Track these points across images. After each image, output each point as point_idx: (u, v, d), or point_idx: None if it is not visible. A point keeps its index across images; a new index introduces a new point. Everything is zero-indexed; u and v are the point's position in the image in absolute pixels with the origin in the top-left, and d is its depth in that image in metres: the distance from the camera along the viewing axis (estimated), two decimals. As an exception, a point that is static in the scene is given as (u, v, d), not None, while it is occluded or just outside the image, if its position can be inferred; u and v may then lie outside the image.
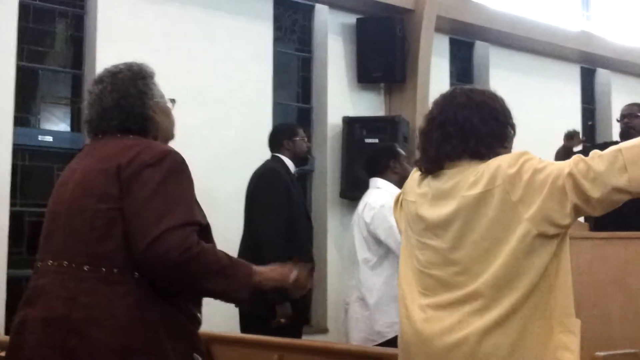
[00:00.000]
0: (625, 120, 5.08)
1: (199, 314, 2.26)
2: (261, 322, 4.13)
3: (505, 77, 7.59)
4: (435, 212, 2.19)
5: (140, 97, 2.30)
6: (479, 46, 7.66)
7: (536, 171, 2.04)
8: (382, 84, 6.59)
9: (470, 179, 2.13)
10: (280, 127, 4.94)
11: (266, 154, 4.82)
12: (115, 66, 2.35)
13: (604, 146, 5.41)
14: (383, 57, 6.36)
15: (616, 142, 4.80)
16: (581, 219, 5.63)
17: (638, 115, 5.09)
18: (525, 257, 2.04)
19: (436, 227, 2.18)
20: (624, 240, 4.46)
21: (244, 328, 4.33)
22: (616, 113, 5.29)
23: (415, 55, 6.47)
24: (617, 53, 8.41)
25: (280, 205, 4.35)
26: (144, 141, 2.25)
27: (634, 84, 8.87)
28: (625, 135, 5.08)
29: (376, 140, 6.02)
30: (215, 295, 2.22)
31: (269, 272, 2.34)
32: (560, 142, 7.93)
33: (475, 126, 2.17)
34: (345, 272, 5.37)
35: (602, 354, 2.51)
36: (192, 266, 2.08)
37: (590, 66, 8.61)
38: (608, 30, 8.56)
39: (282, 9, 6.32)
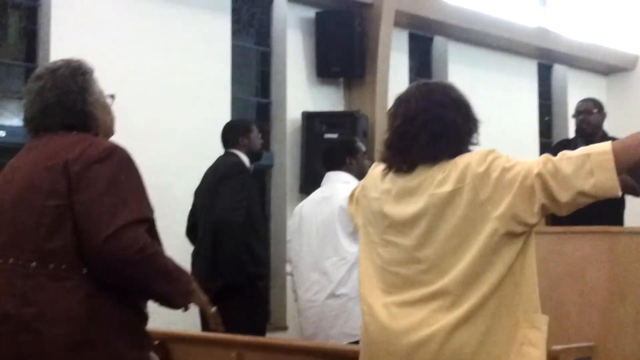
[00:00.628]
0: (581, 117, 5.13)
1: (145, 310, 2.28)
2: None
3: (463, 73, 7.62)
4: (401, 209, 2.18)
5: (81, 93, 2.29)
6: (438, 41, 7.68)
7: (505, 170, 2.05)
8: (341, 79, 6.57)
9: (437, 176, 2.13)
10: (235, 124, 4.91)
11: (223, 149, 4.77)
12: (54, 63, 2.35)
13: (567, 143, 5.37)
14: (342, 51, 6.34)
15: (586, 140, 4.87)
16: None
17: (593, 112, 5.15)
18: (492, 254, 2.06)
19: (402, 225, 2.18)
20: (580, 235, 4.51)
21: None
22: (572, 109, 5.34)
23: (375, 50, 6.46)
24: (573, 49, 8.50)
25: (244, 202, 4.37)
26: (88, 137, 2.25)
27: (590, 79, 8.99)
28: (580, 131, 5.14)
29: (335, 136, 6.01)
30: (156, 298, 2.24)
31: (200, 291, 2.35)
32: (518, 138, 8.03)
33: (459, 126, 2.19)
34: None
35: (558, 347, 2.52)
36: (143, 266, 2.10)
37: (547, 62, 8.69)
38: (565, 26, 8.65)
39: (241, 2, 6.26)
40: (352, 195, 2.51)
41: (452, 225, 2.09)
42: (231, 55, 5.94)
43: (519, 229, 2.06)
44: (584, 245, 4.48)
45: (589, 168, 2.00)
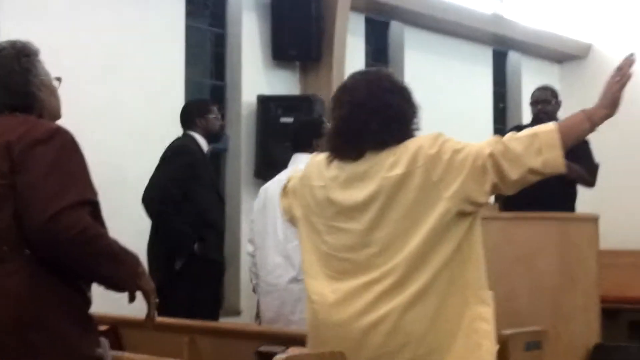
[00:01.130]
0: (539, 106, 5.18)
1: (89, 294, 2.27)
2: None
3: (419, 58, 7.64)
4: (351, 194, 2.19)
5: (24, 74, 2.27)
6: (395, 26, 7.66)
7: (455, 151, 2.11)
8: (297, 62, 6.52)
9: (388, 160, 2.16)
10: (192, 104, 4.84)
11: (178, 132, 4.70)
12: None
13: (517, 130, 5.45)
14: (298, 35, 6.28)
15: (527, 126, 4.91)
16: (491, 199, 5.73)
17: (551, 102, 5.20)
18: (442, 234, 2.11)
19: (352, 210, 2.19)
20: (531, 221, 4.57)
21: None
22: (526, 96, 5.38)
23: (331, 34, 6.42)
24: (528, 36, 8.57)
25: (181, 183, 4.35)
26: (31, 119, 2.23)
27: (544, 67, 9.08)
28: (537, 120, 5.18)
29: (291, 120, 5.96)
30: (102, 280, 2.23)
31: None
32: (472, 123, 8.08)
33: (406, 112, 2.24)
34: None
35: (508, 332, 2.54)
36: (86, 247, 2.09)
37: (502, 49, 8.75)
38: (520, 14, 8.71)
39: (195, -17, 6.17)
40: (285, 189, 2.52)
41: (404, 208, 2.13)
42: (185, 37, 5.84)
43: (470, 208, 2.12)
44: (535, 231, 4.54)
45: (538, 146, 2.10)
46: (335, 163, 2.26)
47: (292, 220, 2.47)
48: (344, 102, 2.27)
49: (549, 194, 4.97)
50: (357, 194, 2.18)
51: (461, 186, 2.10)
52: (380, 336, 2.10)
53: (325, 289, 2.21)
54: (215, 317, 4.46)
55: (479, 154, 2.11)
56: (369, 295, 2.13)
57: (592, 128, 2.22)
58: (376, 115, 2.20)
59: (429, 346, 2.11)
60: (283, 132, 5.79)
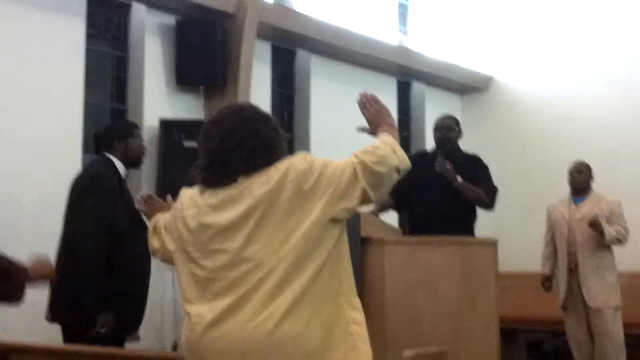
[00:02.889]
0: (442, 132, 5.30)
1: None
2: (81, 333, 3.82)
3: (325, 86, 7.71)
4: (225, 215, 2.27)
5: None
6: (301, 54, 7.73)
7: (325, 165, 2.27)
8: (202, 87, 6.47)
9: (260, 179, 2.26)
10: (114, 126, 4.53)
11: (74, 157, 4.56)
12: None
13: (425, 155, 5.57)
14: (203, 60, 6.25)
15: (445, 155, 5.03)
16: (395, 224, 5.79)
17: (454, 129, 5.34)
18: (315, 241, 2.20)
19: (227, 230, 2.26)
20: (434, 245, 4.62)
21: (66, 341, 4.02)
22: (430, 125, 5.48)
23: (236, 60, 6.41)
24: (431, 68, 8.78)
25: (98, 213, 3.99)
26: None
27: (446, 97, 9.31)
28: (441, 145, 5.30)
29: (195, 144, 5.87)
30: None
31: (37, 268, 2.32)
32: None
33: (274, 139, 2.36)
34: (162, 277, 5.20)
35: (410, 353, 2.55)
36: None
37: (406, 79, 8.92)
38: (424, 45, 8.93)
39: (96, 5, 6.04)
40: (153, 229, 2.59)
41: (277, 220, 2.21)
42: (85, 59, 5.71)
43: (342, 214, 2.25)
44: (438, 254, 4.59)
45: (391, 149, 2.30)
46: (209, 192, 2.32)
47: (165, 256, 2.51)
48: (212, 134, 2.35)
49: (450, 219, 5.07)
50: (231, 214, 2.26)
51: (333, 194, 2.22)
52: (257, 346, 2.14)
53: (203, 310, 2.24)
54: (120, 345, 4.27)
55: (348, 164, 2.26)
56: (246, 306, 2.17)
57: (397, 131, 2.49)
58: (245, 143, 2.30)
59: (307, 348, 2.16)
60: (186, 156, 5.73)
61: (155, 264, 5.64)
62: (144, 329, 5.67)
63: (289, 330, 2.14)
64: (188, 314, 2.29)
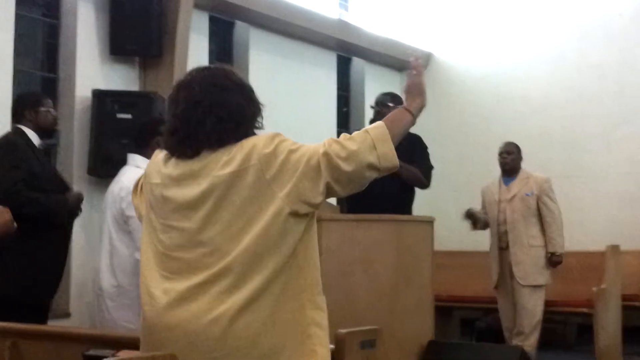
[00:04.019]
0: (377, 108, 5.32)
1: None
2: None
3: (264, 59, 7.61)
4: (185, 192, 2.14)
5: None
6: (240, 26, 7.58)
7: (291, 151, 2.09)
8: (137, 58, 6.29)
9: (222, 158, 2.12)
10: (22, 97, 4.59)
11: (3, 126, 4.41)
12: None
13: None
14: (139, 30, 6.05)
15: None
16: (333, 201, 5.77)
17: (389, 106, 5.33)
18: (276, 235, 2.07)
19: (185, 208, 2.14)
20: (371, 223, 4.64)
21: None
22: (369, 101, 5.48)
23: (173, 31, 6.23)
24: (371, 43, 8.74)
25: (10, 180, 4.01)
26: None
27: (386, 73, 9.29)
28: (375, 120, 5.28)
29: (129, 116, 5.74)
30: None
31: None
32: (316, 126, 8.13)
33: (245, 110, 2.19)
34: (93, 253, 5.07)
35: (343, 331, 2.52)
36: None
37: (346, 54, 8.87)
38: (364, 21, 8.87)
39: (28, -30, 5.81)
40: (136, 186, 2.45)
41: (236, 206, 2.08)
42: (15, 26, 5.48)
43: (304, 208, 2.09)
44: (374, 233, 4.61)
45: (370, 142, 2.12)
46: (173, 161, 2.20)
47: (140, 218, 2.39)
48: (179, 100, 2.21)
49: (387, 197, 5.08)
50: (190, 192, 2.13)
51: (295, 185, 2.08)
52: (213, 339, 2.05)
53: (157, 290, 2.14)
54: (43, 320, 4.18)
55: (314, 154, 2.10)
56: (201, 297, 2.07)
57: (413, 119, 2.29)
58: (212, 114, 2.15)
59: (262, 350, 2.06)
60: (120, 128, 5.59)
61: (87, 241, 5.54)
62: (74, 306, 5.56)
63: (245, 326, 2.04)
64: (142, 290, 2.19)
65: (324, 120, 8.30)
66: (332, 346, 2.43)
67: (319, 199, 2.10)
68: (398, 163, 2.17)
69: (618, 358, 6.30)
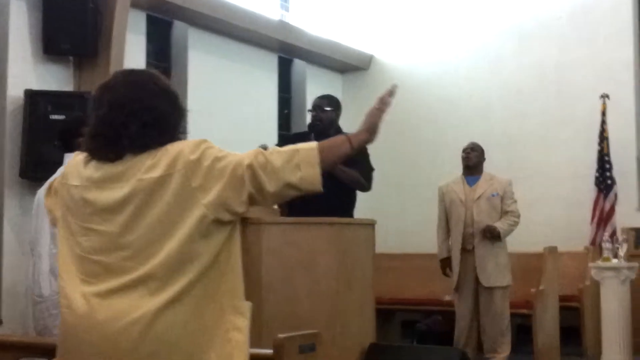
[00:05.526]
0: (314, 112, 5.29)
1: None
2: None
3: (204, 60, 7.51)
4: (106, 195, 2.12)
5: None
6: (178, 26, 7.48)
7: (217, 159, 2.10)
8: (71, 58, 6.12)
9: (146, 162, 2.12)
10: None
11: None
12: None
13: (302, 136, 5.49)
14: (73, 28, 5.89)
15: (317, 135, 4.94)
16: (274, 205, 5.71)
17: (326, 109, 5.30)
18: (199, 241, 2.07)
19: (106, 211, 2.11)
20: (311, 226, 4.60)
21: None
22: (311, 103, 5.44)
23: (109, 30, 6.08)
24: (313, 45, 8.71)
25: None
26: None
27: (327, 76, 9.29)
28: (313, 126, 5.27)
29: (63, 117, 5.57)
30: None
31: None
32: (257, 128, 8.04)
33: (170, 115, 2.19)
34: (25, 258, 4.90)
35: (282, 335, 2.47)
36: None
37: (287, 56, 8.82)
38: (306, 22, 8.84)
39: (-45, -36, 5.59)
40: (50, 187, 2.41)
41: (159, 211, 2.08)
42: (-58, 23, 5.28)
43: (227, 216, 2.11)
44: (315, 235, 4.58)
45: (297, 162, 2.13)
46: (93, 163, 2.18)
47: (53, 221, 2.35)
48: (103, 101, 2.19)
49: (328, 200, 5.04)
50: (111, 195, 2.12)
51: (219, 194, 2.08)
52: (131, 343, 2.02)
53: (75, 294, 2.10)
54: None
55: (239, 164, 2.11)
56: (120, 301, 2.05)
57: (352, 150, 2.27)
58: (136, 118, 2.13)
59: (180, 355, 2.05)
60: (53, 129, 5.40)
61: (19, 245, 5.36)
62: (6, 313, 5.37)
63: (165, 331, 2.03)
64: (61, 293, 2.16)
65: (265, 123, 8.24)
66: (270, 351, 2.43)
67: (242, 208, 2.11)
68: (321, 188, 2.17)
69: (556, 358, 6.38)
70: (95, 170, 2.15)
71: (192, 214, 2.06)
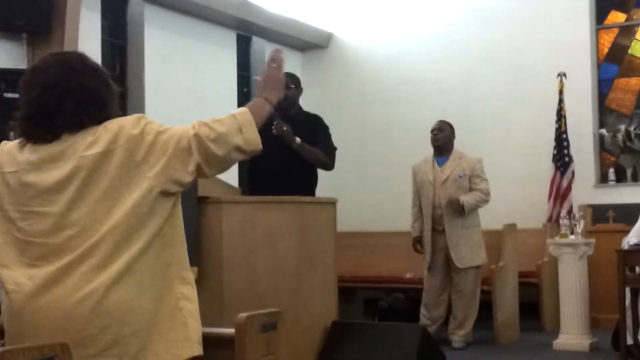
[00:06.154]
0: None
1: None
2: None
3: (160, 37, 7.39)
4: (46, 176, 2.12)
5: None
6: (134, 2, 7.32)
7: (159, 133, 2.15)
8: (24, 34, 5.97)
9: (87, 139, 2.13)
10: None
11: None
12: None
13: None
14: (26, 4, 5.75)
15: (282, 114, 4.88)
16: (234, 183, 5.66)
17: (290, 87, 5.27)
18: (145, 214, 2.11)
19: (48, 192, 2.11)
20: (272, 205, 4.57)
21: None
22: (277, 83, 5.37)
23: (63, 6, 5.96)
24: (271, 22, 8.62)
25: None
26: None
27: (287, 53, 9.16)
28: (277, 103, 5.21)
29: (17, 95, 5.43)
30: None
31: None
32: (215, 107, 7.95)
33: (103, 93, 2.22)
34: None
35: (244, 314, 2.44)
36: None
37: (246, 33, 8.73)
38: (264, 0, 8.74)
39: None
40: None
41: (103, 187, 2.10)
42: None
43: (174, 188, 2.16)
44: (277, 214, 4.55)
45: (237, 126, 2.22)
46: (29, 147, 2.17)
47: None
48: (34, 84, 2.20)
49: (289, 179, 5.02)
50: (52, 175, 2.12)
51: (165, 166, 2.13)
52: (82, 319, 2.04)
53: (22, 278, 2.10)
54: None
55: (183, 135, 2.16)
56: (69, 278, 2.06)
57: (271, 109, 2.43)
58: (69, 96, 2.16)
59: (132, 327, 2.07)
60: (7, 108, 5.26)
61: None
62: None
63: (116, 304, 2.04)
64: (6, 280, 2.13)
65: (224, 101, 8.14)
66: (232, 330, 2.42)
67: (188, 179, 2.16)
68: (261, 147, 2.28)
69: (515, 333, 6.47)
70: (32, 153, 2.15)
71: (138, 187, 2.10)
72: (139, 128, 2.13)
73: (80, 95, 2.16)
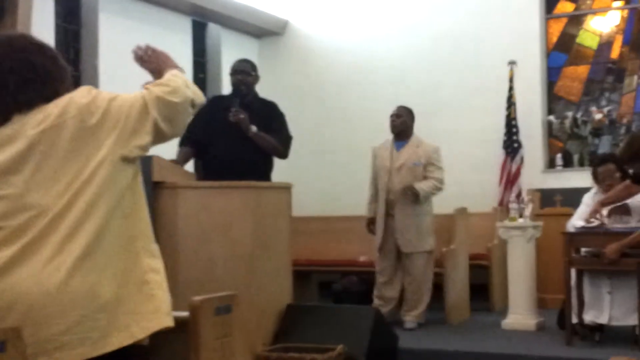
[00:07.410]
0: (239, 77, 5.35)
1: None
2: None
3: (115, 22, 7.33)
4: (1, 159, 2.08)
5: None
6: (88, -13, 7.27)
7: (112, 99, 2.13)
8: (-24, 19, 5.91)
9: (37, 117, 2.08)
10: None
11: None
12: None
13: (222, 99, 5.42)
14: (-23, -11, 5.69)
15: (241, 100, 4.91)
16: (190, 169, 5.68)
17: (251, 74, 5.32)
18: (105, 183, 2.07)
19: (4, 174, 2.07)
20: (227, 190, 4.61)
21: None
22: (226, 68, 5.42)
23: (16, -10, 5.90)
24: (227, 9, 8.61)
25: None
26: None
27: (243, 41, 9.22)
28: (237, 90, 5.29)
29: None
30: None
31: None
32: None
33: (50, 70, 2.18)
34: None
35: (198, 298, 2.49)
36: None
37: (201, 19, 8.71)
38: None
39: None
40: None
41: (60, 161, 2.07)
42: None
43: (134, 152, 2.13)
44: (231, 199, 4.59)
45: (184, 81, 2.25)
46: None
47: None
48: None
49: (244, 164, 5.06)
50: (5, 157, 2.08)
51: (122, 130, 2.11)
52: (48, 297, 2.00)
53: None
54: None
55: (137, 97, 2.15)
56: (33, 257, 2.02)
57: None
58: (15, 75, 2.12)
59: (100, 301, 2.04)
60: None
61: None
62: None
63: (82, 279, 2.02)
64: None
65: (180, 87, 8.12)
66: (186, 313, 2.43)
67: (147, 139, 2.14)
68: (205, 100, 2.35)
69: (466, 313, 6.62)
70: None
71: (97, 155, 2.07)
72: (89, 97, 2.11)
73: (26, 73, 2.13)
